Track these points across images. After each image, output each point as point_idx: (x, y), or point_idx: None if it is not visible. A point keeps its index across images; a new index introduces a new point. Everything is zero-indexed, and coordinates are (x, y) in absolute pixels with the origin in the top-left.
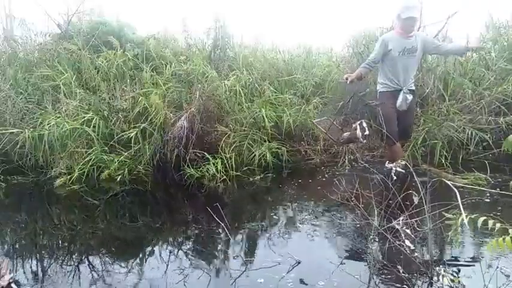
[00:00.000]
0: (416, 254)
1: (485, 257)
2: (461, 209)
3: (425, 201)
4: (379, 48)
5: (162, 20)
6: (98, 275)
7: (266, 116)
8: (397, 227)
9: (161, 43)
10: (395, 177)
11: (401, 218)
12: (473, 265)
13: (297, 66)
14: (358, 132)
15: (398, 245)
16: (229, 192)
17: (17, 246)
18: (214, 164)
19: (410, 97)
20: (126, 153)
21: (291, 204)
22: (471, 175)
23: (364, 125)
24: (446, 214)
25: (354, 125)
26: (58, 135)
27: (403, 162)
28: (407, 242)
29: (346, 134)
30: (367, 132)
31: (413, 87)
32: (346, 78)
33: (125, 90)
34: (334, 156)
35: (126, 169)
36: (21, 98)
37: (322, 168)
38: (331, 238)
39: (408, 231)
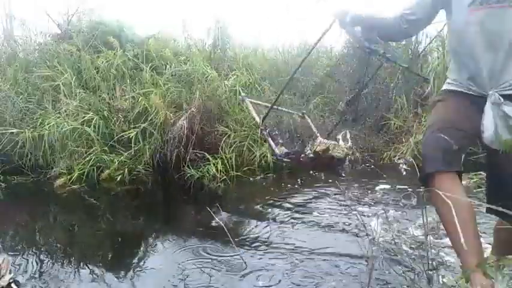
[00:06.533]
0: (414, 257)
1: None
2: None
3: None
4: None
5: (162, 20)
6: (98, 274)
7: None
8: None
9: (161, 43)
10: (404, 172)
11: None
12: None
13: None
14: (342, 144)
15: (397, 246)
16: (230, 192)
17: (17, 246)
18: (214, 164)
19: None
20: (126, 154)
21: (291, 204)
22: (475, 174)
23: (348, 136)
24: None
25: (338, 136)
26: (58, 135)
27: (410, 159)
28: None
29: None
30: (349, 144)
31: None
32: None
33: (124, 90)
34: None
35: (126, 169)
36: (21, 98)
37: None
38: (331, 238)
39: None
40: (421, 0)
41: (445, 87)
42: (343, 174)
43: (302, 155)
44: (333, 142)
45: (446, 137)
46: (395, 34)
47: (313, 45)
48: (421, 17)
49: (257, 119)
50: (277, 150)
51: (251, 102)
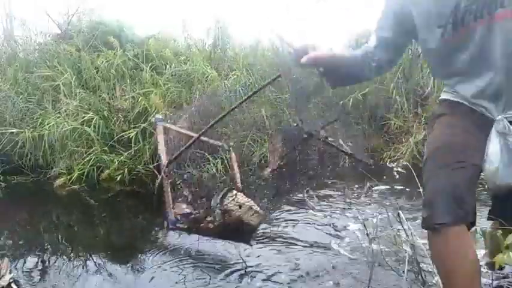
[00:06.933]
0: (414, 257)
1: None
2: None
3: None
4: (382, 21)
5: (162, 20)
6: (98, 275)
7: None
8: None
9: (161, 43)
10: (397, 176)
11: None
12: None
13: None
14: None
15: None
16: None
17: (17, 246)
18: (214, 164)
19: None
20: (126, 153)
21: (291, 203)
22: None
23: (240, 199)
24: None
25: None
26: (58, 135)
27: (405, 163)
28: None
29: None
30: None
31: None
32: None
33: (124, 90)
34: (334, 157)
35: (126, 169)
36: (21, 98)
37: (321, 168)
38: (331, 237)
39: None
40: (380, 41)
41: (445, 96)
42: (252, 244)
43: (208, 218)
44: (249, 202)
45: (458, 177)
46: (366, 72)
47: (255, 91)
48: (382, 57)
49: (163, 158)
50: (171, 212)
51: (166, 129)
